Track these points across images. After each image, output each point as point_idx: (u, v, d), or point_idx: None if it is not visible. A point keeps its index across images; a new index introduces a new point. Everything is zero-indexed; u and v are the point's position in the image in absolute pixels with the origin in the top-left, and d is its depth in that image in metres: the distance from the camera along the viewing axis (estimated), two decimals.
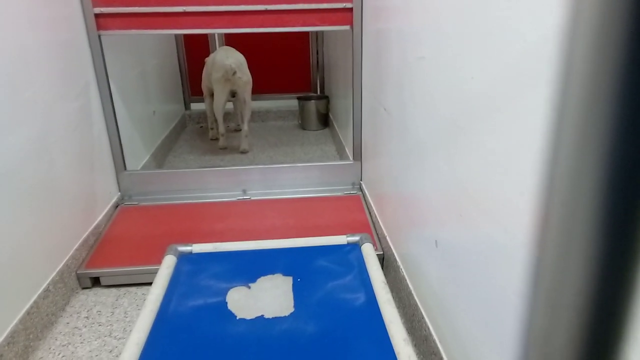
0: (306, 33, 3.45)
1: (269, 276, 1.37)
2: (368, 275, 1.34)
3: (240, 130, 3.04)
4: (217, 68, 2.64)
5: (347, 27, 1.89)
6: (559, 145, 0.18)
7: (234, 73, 2.60)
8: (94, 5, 1.78)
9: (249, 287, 1.33)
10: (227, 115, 3.38)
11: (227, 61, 2.61)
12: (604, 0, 0.16)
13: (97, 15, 1.79)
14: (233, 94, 2.74)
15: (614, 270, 0.18)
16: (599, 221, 0.18)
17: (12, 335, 1.23)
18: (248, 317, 1.21)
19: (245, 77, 2.67)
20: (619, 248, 0.18)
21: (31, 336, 1.31)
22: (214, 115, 2.82)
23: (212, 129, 3.06)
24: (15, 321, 1.25)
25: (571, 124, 0.18)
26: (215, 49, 3.20)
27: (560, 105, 0.18)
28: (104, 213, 1.85)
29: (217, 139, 3.03)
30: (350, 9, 1.86)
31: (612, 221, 0.18)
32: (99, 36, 1.82)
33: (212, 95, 2.80)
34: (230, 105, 3.12)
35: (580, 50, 0.17)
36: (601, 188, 0.17)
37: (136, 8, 1.80)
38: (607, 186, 0.17)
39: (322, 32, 3.38)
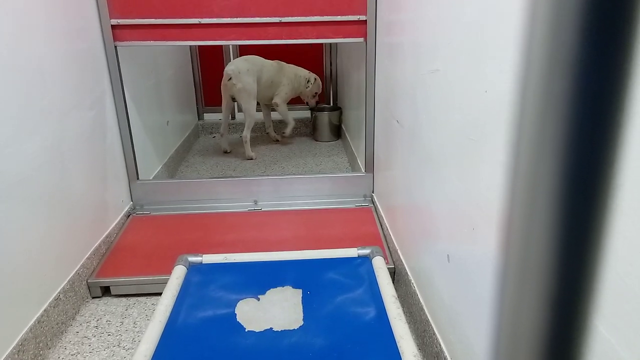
0: (320, 45, 3.47)
1: (279, 288, 1.36)
2: (379, 289, 1.33)
3: (277, 139, 3.25)
4: None
5: (360, 40, 1.90)
6: (519, 159, 0.18)
7: (229, 79, 2.76)
8: (111, 17, 1.81)
9: (259, 299, 1.32)
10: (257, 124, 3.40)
11: (228, 67, 2.80)
12: None
13: (113, 27, 1.82)
14: (234, 99, 2.87)
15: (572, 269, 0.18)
16: (555, 225, 0.18)
17: (23, 343, 1.23)
18: (257, 330, 1.20)
19: (239, 84, 2.76)
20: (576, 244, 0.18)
21: (41, 345, 1.31)
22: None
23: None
24: (25, 329, 1.26)
25: (527, 140, 0.18)
26: (230, 59, 3.23)
27: (519, 122, 0.18)
28: (115, 222, 1.86)
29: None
30: (364, 22, 1.87)
31: (567, 221, 0.18)
32: (115, 47, 1.85)
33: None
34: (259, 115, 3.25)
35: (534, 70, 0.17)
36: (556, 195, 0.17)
37: (152, 20, 1.82)
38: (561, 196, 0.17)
39: (336, 44, 3.39)
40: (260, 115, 3.18)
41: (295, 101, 3.48)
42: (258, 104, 3.08)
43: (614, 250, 0.54)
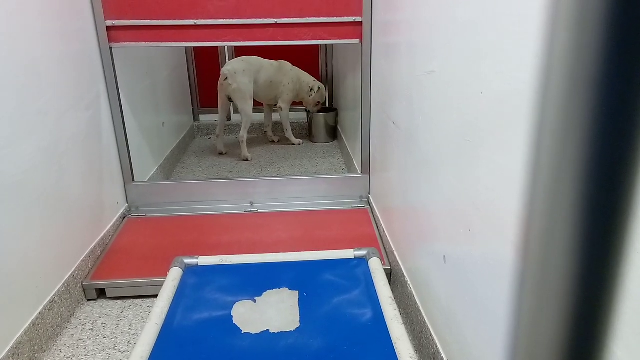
0: (315, 46, 3.47)
1: (275, 290, 1.36)
2: (375, 291, 1.33)
3: (273, 140, 3.27)
4: None
5: (356, 41, 1.90)
6: (539, 161, 0.18)
7: (225, 79, 2.79)
8: (106, 18, 1.80)
9: (255, 301, 1.32)
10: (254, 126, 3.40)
11: (224, 67, 2.83)
12: None
13: (108, 28, 1.81)
14: (230, 99, 2.89)
15: (593, 282, 0.18)
16: (576, 232, 0.17)
17: (17, 346, 1.22)
18: (253, 332, 1.20)
19: (234, 84, 2.79)
20: (596, 257, 0.17)
21: (36, 348, 1.30)
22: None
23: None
24: (20, 332, 1.25)
25: (549, 141, 0.17)
26: (226, 61, 3.23)
27: (539, 123, 0.18)
28: (111, 224, 1.86)
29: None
30: (360, 23, 1.87)
31: (588, 233, 0.17)
32: (111, 48, 1.84)
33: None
34: (261, 117, 3.27)
35: (557, 69, 0.17)
36: (578, 201, 0.17)
37: (147, 21, 1.81)
38: (583, 200, 0.17)
39: (332, 45, 3.40)
40: (257, 116, 3.17)
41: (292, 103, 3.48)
42: (260, 104, 3.09)
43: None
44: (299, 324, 1.22)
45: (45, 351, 1.35)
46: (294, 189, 2.10)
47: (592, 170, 0.16)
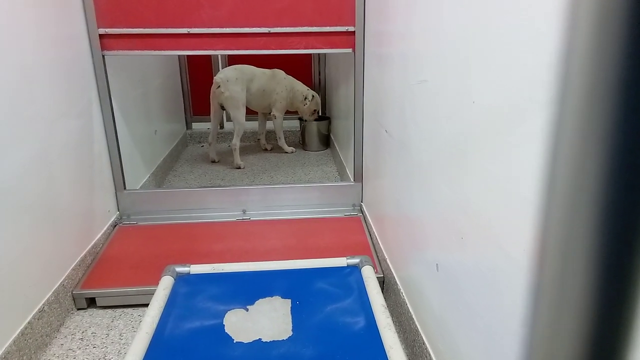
0: (308, 55, 3.49)
1: (268, 298, 1.35)
2: (368, 299, 1.32)
3: (266, 148, 3.28)
4: None
5: (349, 50, 1.91)
6: (556, 169, 0.18)
7: (218, 87, 2.81)
8: (99, 26, 1.80)
9: (247, 310, 1.31)
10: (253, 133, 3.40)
11: (217, 75, 2.84)
12: (598, 25, 0.15)
13: (101, 36, 1.81)
14: (222, 107, 2.90)
15: (613, 295, 0.17)
16: (596, 244, 0.17)
17: (6, 356, 1.21)
18: (245, 341, 1.19)
19: (227, 92, 2.81)
20: (617, 271, 0.17)
21: (24, 358, 1.28)
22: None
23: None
24: (9, 342, 1.23)
25: (567, 148, 0.17)
26: (219, 69, 3.24)
27: (557, 131, 0.18)
28: (102, 232, 1.84)
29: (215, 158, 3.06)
30: (353, 33, 1.88)
31: (608, 243, 0.17)
32: (103, 56, 1.84)
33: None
34: (254, 125, 3.27)
35: (577, 77, 0.17)
36: (598, 211, 0.17)
37: (140, 29, 1.82)
38: (603, 209, 0.17)
39: (324, 54, 3.41)
40: (249, 124, 3.18)
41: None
42: (255, 112, 3.10)
43: None
44: (292, 333, 1.22)
45: None
46: (286, 197, 2.10)
47: (593, 178, 0.16)
